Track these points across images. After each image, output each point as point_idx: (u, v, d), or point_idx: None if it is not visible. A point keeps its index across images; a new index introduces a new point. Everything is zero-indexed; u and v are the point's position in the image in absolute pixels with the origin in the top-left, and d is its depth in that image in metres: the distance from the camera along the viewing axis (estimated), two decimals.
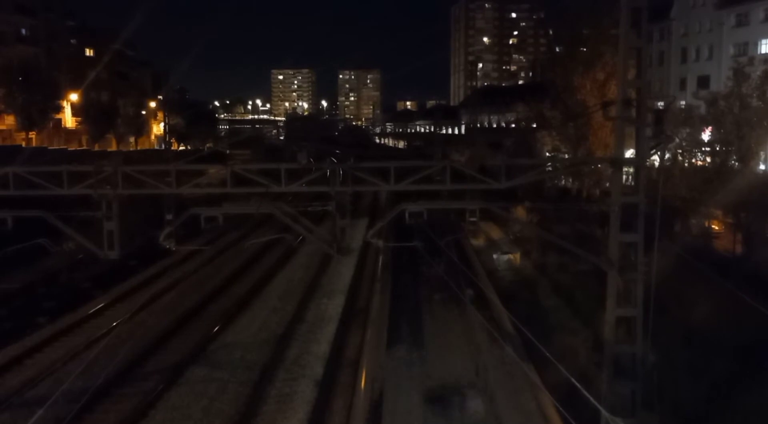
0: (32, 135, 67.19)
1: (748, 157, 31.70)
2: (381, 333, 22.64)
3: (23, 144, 62.29)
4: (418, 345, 22.38)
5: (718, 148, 32.81)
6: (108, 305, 26.66)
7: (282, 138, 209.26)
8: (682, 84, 64.33)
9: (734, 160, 31.82)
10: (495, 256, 36.33)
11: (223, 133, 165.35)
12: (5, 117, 65.54)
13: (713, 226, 36.06)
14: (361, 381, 18.31)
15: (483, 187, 15.90)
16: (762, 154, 33.79)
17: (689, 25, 64.40)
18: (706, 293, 21.89)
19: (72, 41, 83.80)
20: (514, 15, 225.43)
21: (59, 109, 71.46)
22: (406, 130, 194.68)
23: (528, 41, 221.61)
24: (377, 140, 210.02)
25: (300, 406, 17.84)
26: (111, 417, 16.98)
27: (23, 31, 71.79)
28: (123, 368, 19.48)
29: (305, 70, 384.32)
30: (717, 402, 17.36)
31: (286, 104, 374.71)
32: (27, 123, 64.23)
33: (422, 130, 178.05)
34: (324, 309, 27.00)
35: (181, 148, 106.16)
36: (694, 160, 34.16)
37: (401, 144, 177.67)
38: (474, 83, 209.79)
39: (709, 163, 33.19)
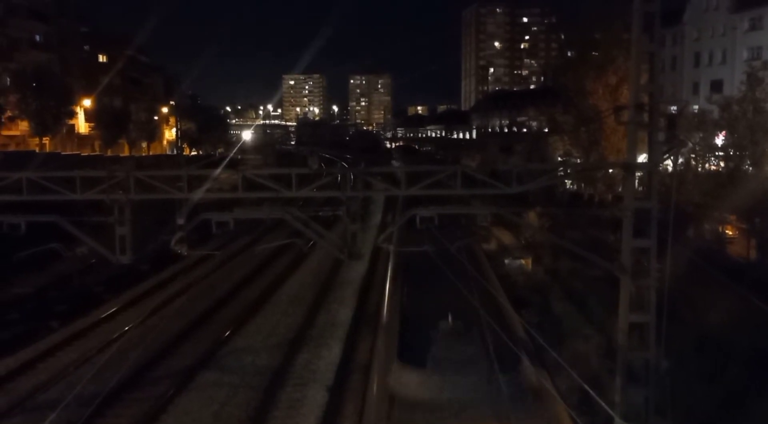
0: (45, 140, 67.63)
1: (762, 162, 31.47)
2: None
3: (37, 149, 62.73)
4: None
5: (731, 153, 32.59)
6: (120, 310, 26.78)
7: (293, 143, 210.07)
8: (695, 88, 63.94)
9: (748, 164, 31.59)
10: (506, 261, 36.17)
11: (234, 139, 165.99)
12: (19, 122, 66.01)
13: (727, 231, 35.76)
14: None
15: (494, 192, 15.83)
16: None
17: (702, 29, 64.04)
18: (719, 299, 21.69)
19: (85, 47, 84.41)
20: (525, 19, 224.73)
21: (72, 114, 71.91)
22: (417, 135, 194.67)
23: (539, 46, 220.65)
24: (388, 145, 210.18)
25: (310, 411, 17.83)
26: (122, 422, 17.04)
27: (37, 37, 72.36)
28: (134, 373, 19.55)
29: (316, 76, 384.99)
30: (731, 409, 17.18)
31: (297, 109, 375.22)
32: (40, 128, 64.66)
33: (433, 134, 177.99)
34: (335, 314, 26.99)
35: (193, 153, 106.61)
36: (707, 165, 33.95)
37: None
38: (485, 88, 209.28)
39: (722, 168, 32.96)
